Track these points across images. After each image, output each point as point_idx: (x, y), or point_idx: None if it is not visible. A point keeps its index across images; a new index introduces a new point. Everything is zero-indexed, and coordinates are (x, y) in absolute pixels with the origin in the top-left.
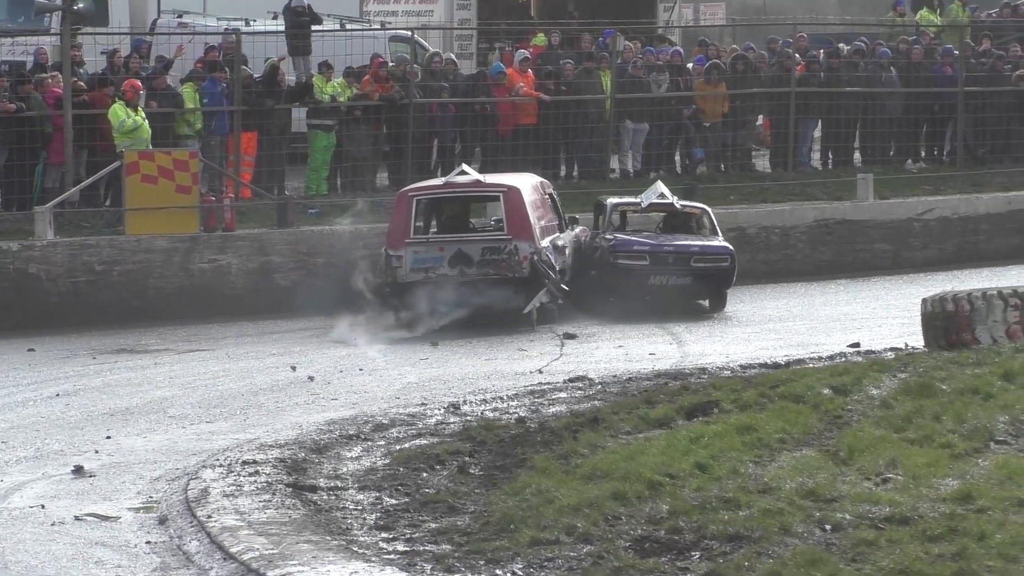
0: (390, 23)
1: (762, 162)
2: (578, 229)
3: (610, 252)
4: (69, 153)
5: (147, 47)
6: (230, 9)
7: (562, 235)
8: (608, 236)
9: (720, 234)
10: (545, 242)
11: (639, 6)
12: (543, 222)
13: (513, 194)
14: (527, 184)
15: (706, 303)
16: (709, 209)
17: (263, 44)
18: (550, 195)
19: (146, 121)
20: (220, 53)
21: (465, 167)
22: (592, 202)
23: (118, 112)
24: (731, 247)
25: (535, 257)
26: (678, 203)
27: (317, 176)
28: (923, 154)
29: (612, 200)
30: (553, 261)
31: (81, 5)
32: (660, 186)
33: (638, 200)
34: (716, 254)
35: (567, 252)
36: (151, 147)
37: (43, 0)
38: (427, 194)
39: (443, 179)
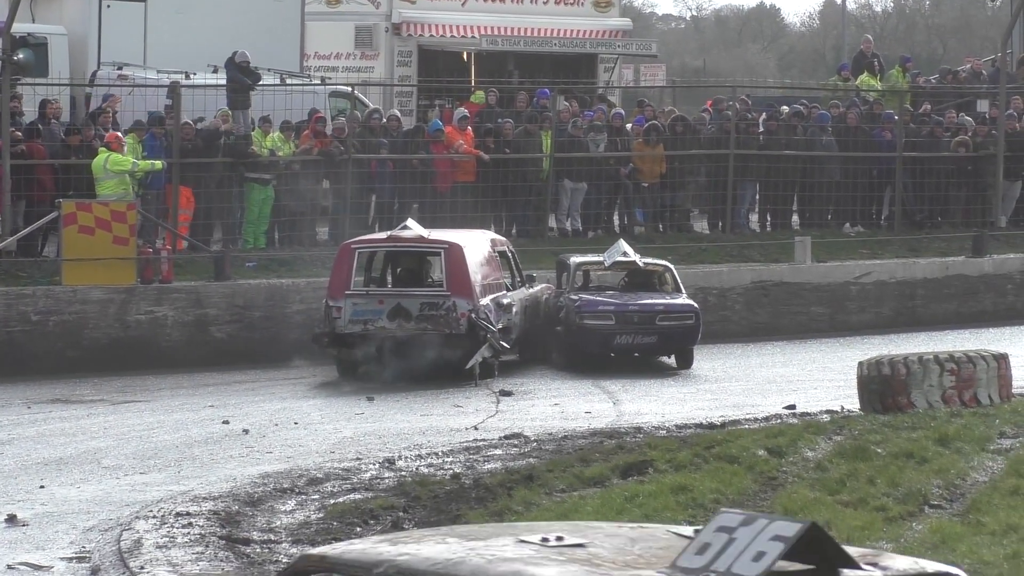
0: (330, 78)
1: (700, 223)
2: (538, 287)
3: (576, 313)
4: (6, 203)
5: (87, 99)
6: (170, 62)
7: (510, 293)
8: (573, 296)
9: (683, 291)
10: (487, 300)
11: (579, 66)
12: (487, 280)
13: (454, 251)
14: (473, 241)
15: (672, 361)
16: (672, 266)
17: (203, 97)
18: (503, 252)
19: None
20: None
21: (410, 222)
22: (530, 260)
23: (121, 159)
24: (696, 304)
25: (473, 315)
26: (641, 261)
27: (254, 229)
28: (861, 218)
29: (575, 259)
30: (494, 319)
31: (21, 56)
32: (623, 244)
33: (601, 259)
34: (681, 312)
35: (514, 311)
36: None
37: None
38: (369, 246)
39: (387, 233)
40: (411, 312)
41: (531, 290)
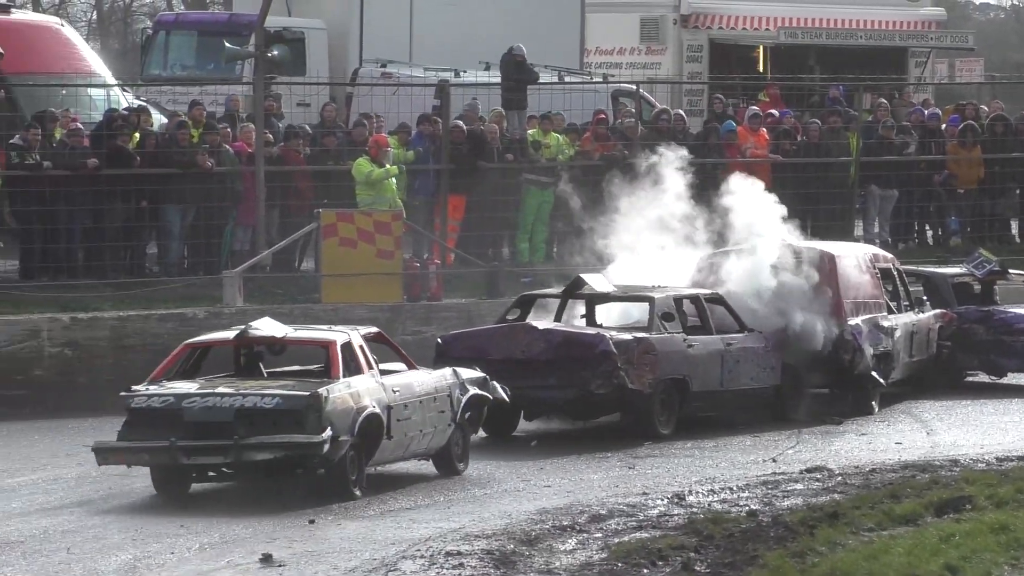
0: (613, 76)
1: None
2: (930, 313)
3: (1001, 329)
4: (261, 213)
5: (348, 99)
6: (438, 59)
7: (895, 316)
8: (985, 308)
9: None
10: (858, 319)
11: (888, 60)
12: (863, 297)
13: (825, 260)
14: (848, 253)
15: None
16: None
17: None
18: (887, 271)
19: (392, 180)
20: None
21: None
22: None
23: (362, 166)
24: None
25: (841, 335)
26: (1012, 272)
27: (530, 238)
28: None
29: (944, 271)
30: (869, 341)
31: (275, 52)
32: (986, 253)
33: (965, 270)
34: None
35: (896, 335)
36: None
37: (234, 47)
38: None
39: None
40: None
41: (920, 316)
